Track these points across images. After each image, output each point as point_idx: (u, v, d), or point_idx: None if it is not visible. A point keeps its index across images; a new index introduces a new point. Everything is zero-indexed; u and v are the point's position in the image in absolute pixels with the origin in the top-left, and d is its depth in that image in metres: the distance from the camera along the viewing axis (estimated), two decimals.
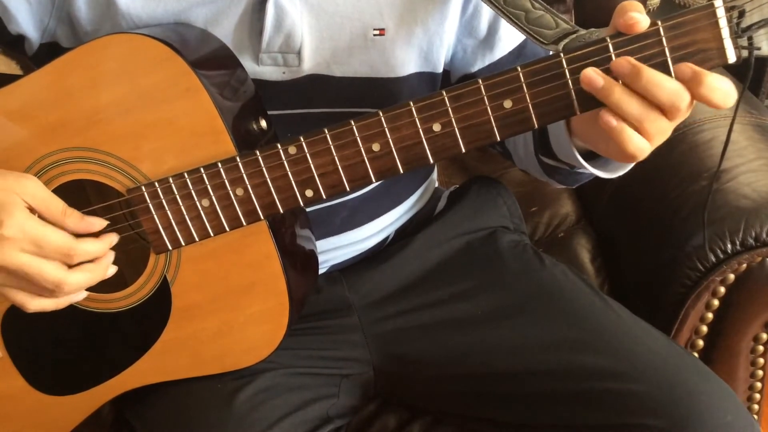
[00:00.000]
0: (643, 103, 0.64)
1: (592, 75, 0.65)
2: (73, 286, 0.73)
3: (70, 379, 0.86)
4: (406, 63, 0.86)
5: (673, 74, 0.65)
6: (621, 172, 0.81)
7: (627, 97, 0.64)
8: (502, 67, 0.88)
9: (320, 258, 0.90)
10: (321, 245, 0.92)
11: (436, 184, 1.11)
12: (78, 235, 0.74)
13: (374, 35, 0.83)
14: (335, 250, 0.95)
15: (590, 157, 0.79)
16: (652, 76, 0.64)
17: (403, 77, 0.86)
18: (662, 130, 0.66)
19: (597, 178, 0.82)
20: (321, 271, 0.95)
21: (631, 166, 0.80)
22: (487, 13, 0.87)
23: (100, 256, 0.75)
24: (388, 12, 0.83)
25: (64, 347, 0.85)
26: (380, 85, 0.86)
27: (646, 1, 1.37)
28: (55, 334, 0.84)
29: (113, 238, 0.77)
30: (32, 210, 0.72)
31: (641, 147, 0.66)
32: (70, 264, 0.72)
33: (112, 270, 0.77)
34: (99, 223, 0.75)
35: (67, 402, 0.86)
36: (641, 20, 0.64)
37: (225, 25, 0.80)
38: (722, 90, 0.63)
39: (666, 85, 0.64)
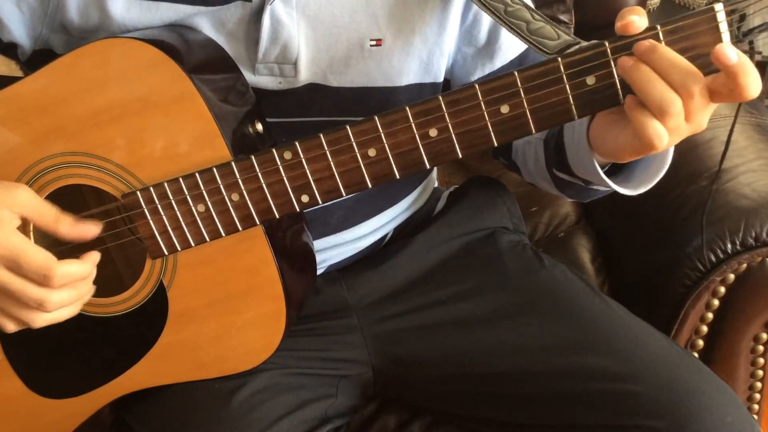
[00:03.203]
0: (665, 86, 0.63)
1: (625, 58, 0.64)
2: (57, 305, 0.72)
3: (68, 382, 0.86)
4: (405, 73, 0.86)
5: None
6: (642, 190, 0.79)
7: (651, 77, 0.63)
8: None
9: (317, 257, 0.90)
10: (318, 244, 0.92)
11: (436, 184, 1.10)
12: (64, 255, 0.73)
13: (371, 46, 0.83)
14: (332, 249, 0.95)
15: (608, 172, 0.79)
16: (665, 52, 0.63)
17: (401, 87, 0.86)
18: (679, 128, 0.65)
19: None
20: (319, 271, 0.95)
21: (653, 184, 0.79)
22: (486, 22, 0.87)
23: (83, 277, 0.74)
24: (385, 23, 0.83)
25: (62, 351, 0.85)
26: (377, 94, 0.85)
27: (646, 1, 1.37)
28: (53, 338, 0.83)
29: (95, 257, 0.75)
30: (25, 220, 0.71)
31: (659, 133, 0.64)
32: (50, 286, 0.71)
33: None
34: (93, 229, 0.74)
35: (66, 405, 0.86)
36: (635, 21, 0.64)
37: (221, 34, 0.80)
38: (757, 79, 0.62)
39: (679, 63, 0.63)
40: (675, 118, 0.64)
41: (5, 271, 0.70)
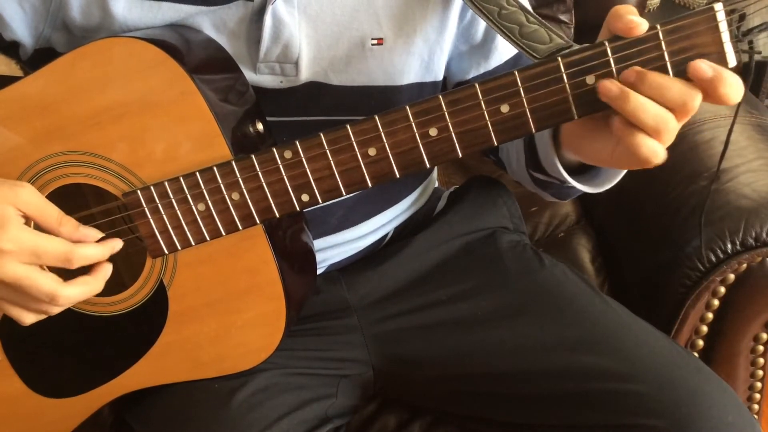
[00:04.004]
0: (660, 110, 0.64)
1: (607, 83, 0.64)
2: (68, 299, 0.73)
3: (68, 382, 0.86)
4: (406, 72, 0.86)
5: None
6: (607, 186, 0.80)
7: (643, 104, 0.64)
8: None
9: (318, 257, 0.90)
10: (318, 244, 0.92)
11: (436, 184, 1.10)
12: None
13: (372, 45, 0.83)
14: (332, 248, 0.95)
15: (579, 171, 0.79)
16: (656, 78, 0.63)
17: (403, 86, 0.86)
18: (673, 135, 0.66)
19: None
20: (319, 270, 0.95)
21: (616, 181, 0.80)
22: (483, 21, 0.87)
23: (100, 260, 0.75)
24: (387, 22, 0.83)
25: (63, 350, 0.85)
26: (378, 93, 0.85)
27: (646, 1, 1.37)
28: (53, 337, 0.84)
29: (116, 244, 0.76)
30: (27, 218, 0.72)
31: (655, 150, 0.65)
32: (70, 268, 0.72)
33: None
34: (94, 234, 0.75)
35: (66, 405, 0.86)
36: (641, 23, 0.64)
37: (223, 34, 0.80)
38: (737, 86, 0.63)
39: (673, 86, 0.63)
40: (672, 133, 0.65)
41: (20, 266, 0.70)
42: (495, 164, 1.01)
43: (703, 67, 0.62)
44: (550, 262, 0.98)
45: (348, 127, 0.70)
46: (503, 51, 0.90)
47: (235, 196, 0.74)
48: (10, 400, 0.86)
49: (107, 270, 0.76)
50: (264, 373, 0.88)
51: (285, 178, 0.73)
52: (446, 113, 0.68)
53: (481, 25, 0.87)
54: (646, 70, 0.64)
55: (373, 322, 0.95)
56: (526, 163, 0.87)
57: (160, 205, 0.75)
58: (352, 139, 0.70)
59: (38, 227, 0.73)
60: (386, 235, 1.00)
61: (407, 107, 0.69)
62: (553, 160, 0.78)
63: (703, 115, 1.15)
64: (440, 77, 0.89)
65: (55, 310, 0.75)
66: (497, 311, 0.93)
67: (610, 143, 0.69)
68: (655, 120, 0.64)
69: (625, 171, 0.79)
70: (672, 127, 0.65)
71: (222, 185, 0.73)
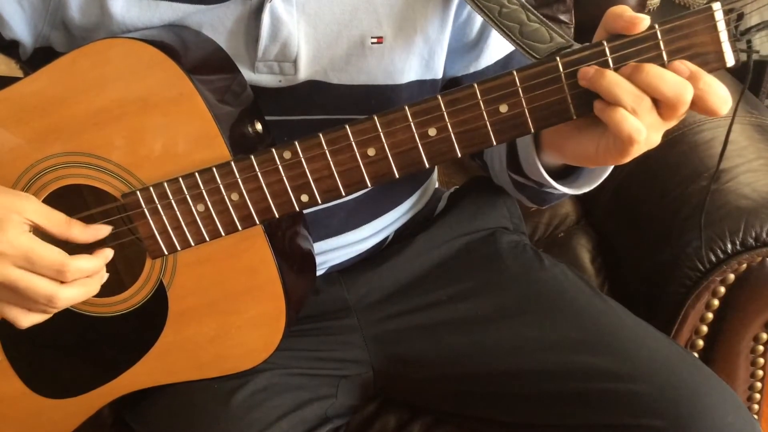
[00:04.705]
0: (635, 88, 0.64)
1: (584, 68, 0.65)
2: (66, 302, 0.73)
3: (68, 382, 0.86)
4: (406, 71, 0.86)
5: None
6: (585, 189, 0.81)
7: (618, 79, 0.64)
8: (488, 76, 0.88)
9: (318, 259, 0.90)
10: (319, 246, 0.92)
11: (436, 185, 1.10)
12: (75, 250, 0.73)
13: (372, 43, 0.83)
14: (333, 251, 0.95)
15: (558, 175, 0.80)
16: (653, 69, 0.64)
17: (402, 84, 0.86)
18: (655, 125, 0.66)
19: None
20: (319, 272, 0.95)
21: (599, 182, 0.80)
22: (479, 20, 0.87)
23: (95, 272, 0.74)
24: (386, 20, 0.83)
25: (63, 351, 0.85)
26: (379, 92, 0.85)
27: (646, 1, 1.37)
28: (53, 338, 0.84)
29: (108, 254, 0.76)
30: (35, 227, 0.72)
31: (637, 127, 0.65)
32: (63, 281, 0.72)
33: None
34: (104, 229, 0.75)
35: (66, 405, 0.86)
36: (644, 18, 0.64)
37: (221, 33, 0.80)
38: (719, 94, 0.63)
39: (669, 78, 0.63)
40: (649, 114, 0.65)
41: (16, 270, 0.70)
42: (481, 168, 1.01)
43: (681, 67, 0.64)
44: (550, 262, 0.98)
45: (347, 127, 0.70)
46: (494, 51, 0.90)
47: (235, 196, 0.74)
48: (10, 401, 0.86)
49: (104, 271, 0.76)
50: (264, 373, 0.88)
51: (284, 178, 0.73)
52: (445, 113, 0.68)
53: (476, 24, 0.87)
54: (643, 63, 0.64)
55: (373, 323, 0.95)
56: (507, 165, 0.88)
57: (159, 206, 0.75)
58: (351, 140, 0.70)
59: (47, 236, 0.73)
60: (387, 237, 1.00)
61: (406, 107, 0.69)
62: (534, 161, 0.78)
63: (704, 115, 1.15)
64: (440, 75, 0.89)
65: (53, 311, 0.75)
66: (497, 311, 0.93)
67: (594, 138, 0.69)
68: (631, 95, 0.64)
69: (607, 173, 0.79)
70: (649, 105, 0.65)
71: (221, 186, 0.73)
